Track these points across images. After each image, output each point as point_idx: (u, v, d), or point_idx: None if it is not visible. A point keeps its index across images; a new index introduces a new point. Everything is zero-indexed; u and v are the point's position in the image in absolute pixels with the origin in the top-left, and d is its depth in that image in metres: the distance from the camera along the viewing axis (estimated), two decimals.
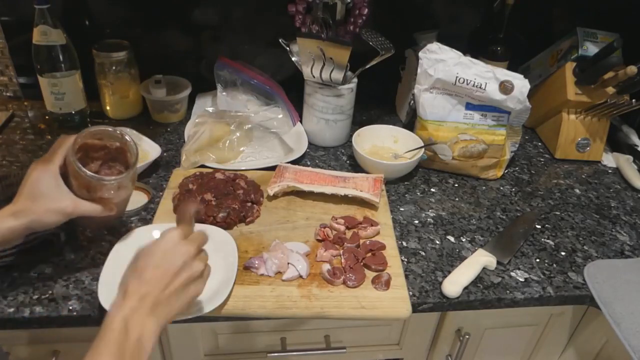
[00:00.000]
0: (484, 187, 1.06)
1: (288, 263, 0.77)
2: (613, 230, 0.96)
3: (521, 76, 0.98)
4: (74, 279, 0.74)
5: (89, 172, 0.65)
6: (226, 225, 0.84)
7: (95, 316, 0.70)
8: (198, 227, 0.81)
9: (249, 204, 0.88)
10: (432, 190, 1.03)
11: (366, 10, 1.00)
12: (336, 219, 0.88)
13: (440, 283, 0.79)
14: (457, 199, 1.01)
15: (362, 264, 0.80)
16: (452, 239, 0.90)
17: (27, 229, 0.63)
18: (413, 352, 0.91)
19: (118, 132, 0.71)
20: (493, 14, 1.22)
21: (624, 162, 1.16)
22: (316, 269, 0.79)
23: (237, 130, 1.06)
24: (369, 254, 0.81)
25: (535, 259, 0.87)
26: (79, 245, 0.80)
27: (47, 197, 0.63)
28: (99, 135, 0.71)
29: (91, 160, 0.73)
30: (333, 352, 0.84)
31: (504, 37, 1.21)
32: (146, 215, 0.88)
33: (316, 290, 0.75)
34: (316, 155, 1.11)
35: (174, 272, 0.57)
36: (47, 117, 1.14)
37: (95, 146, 0.72)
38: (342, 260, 0.79)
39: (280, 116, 1.11)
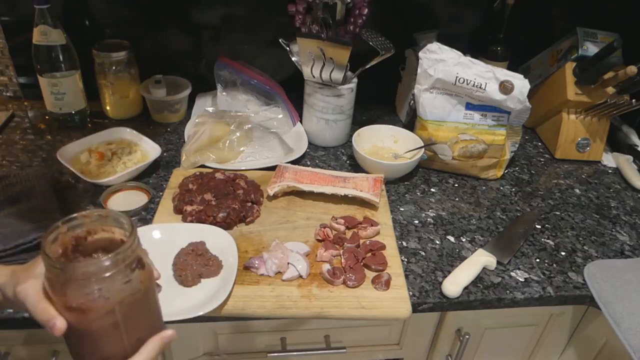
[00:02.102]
0: (484, 187, 1.06)
1: (288, 263, 0.77)
2: (613, 230, 0.96)
3: (521, 76, 0.98)
4: None
5: (50, 257, 0.45)
6: (226, 225, 0.84)
7: None
8: (198, 227, 0.82)
9: (249, 204, 0.88)
10: (432, 190, 1.03)
11: (366, 10, 1.00)
12: (336, 219, 0.88)
13: (440, 283, 0.79)
14: (457, 199, 1.01)
15: (362, 264, 0.80)
16: (452, 239, 0.90)
17: None
18: (413, 352, 0.91)
19: (104, 212, 0.51)
20: (493, 14, 1.22)
21: (624, 162, 1.16)
22: (316, 269, 0.79)
23: (237, 130, 1.06)
24: (369, 254, 0.81)
25: (535, 259, 0.87)
26: None
27: (23, 276, 0.50)
28: (88, 222, 0.51)
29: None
30: (333, 352, 0.84)
31: (504, 37, 1.21)
32: (146, 215, 0.88)
33: (316, 290, 0.75)
34: (316, 155, 1.11)
35: None
36: (47, 117, 1.14)
37: (106, 244, 0.53)
38: (342, 260, 0.79)
39: (280, 116, 1.11)
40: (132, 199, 0.90)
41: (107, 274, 0.45)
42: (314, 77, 1.06)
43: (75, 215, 0.50)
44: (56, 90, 1.05)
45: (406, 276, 0.80)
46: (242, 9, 1.18)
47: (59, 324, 0.46)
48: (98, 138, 1.01)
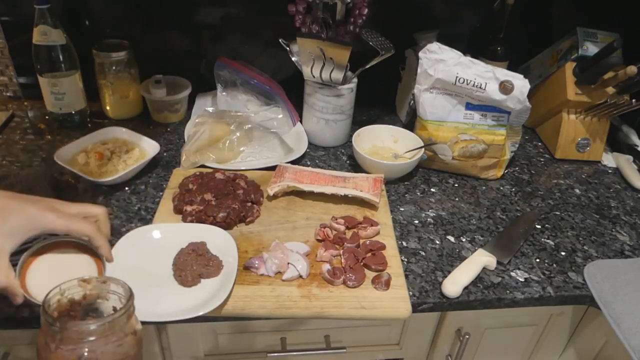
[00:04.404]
0: (484, 187, 1.06)
1: (288, 263, 0.77)
2: (613, 230, 0.96)
3: (521, 76, 0.98)
4: None
5: (51, 317, 0.49)
6: (226, 225, 0.84)
7: None
8: (198, 227, 0.82)
9: (249, 204, 0.88)
10: (432, 190, 1.03)
11: (366, 10, 1.00)
12: (336, 219, 0.88)
13: (440, 283, 0.79)
14: (457, 199, 1.01)
15: (362, 264, 0.80)
16: (452, 239, 0.90)
17: None
18: (413, 352, 0.91)
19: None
20: (493, 14, 1.22)
21: (624, 162, 1.16)
22: (316, 269, 0.79)
23: (237, 130, 1.06)
24: (369, 254, 0.81)
25: (535, 259, 0.87)
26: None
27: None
28: (87, 288, 0.55)
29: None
30: (333, 352, 0.84)
31: (504, 37, 1.21)
32: (146, 215, 0.88)
33: (316, 290, 0.75)
34: (316, 155, 1.11)
35: None
36: (47, 117, 1.14)
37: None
38: (342, 260, 0.79)
39: (280, 116, 1.11)
40: (62, 271, 0.63)
41: (102, 337, 0.49)
42: (314, 77, 1.06)
43: (74, 280, 0.54)
44: (56, 90, 1.05)
45: (406, 276, 0.80)
46: (242, 9, 1.18)
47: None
48: (92, 139, 1.00)
